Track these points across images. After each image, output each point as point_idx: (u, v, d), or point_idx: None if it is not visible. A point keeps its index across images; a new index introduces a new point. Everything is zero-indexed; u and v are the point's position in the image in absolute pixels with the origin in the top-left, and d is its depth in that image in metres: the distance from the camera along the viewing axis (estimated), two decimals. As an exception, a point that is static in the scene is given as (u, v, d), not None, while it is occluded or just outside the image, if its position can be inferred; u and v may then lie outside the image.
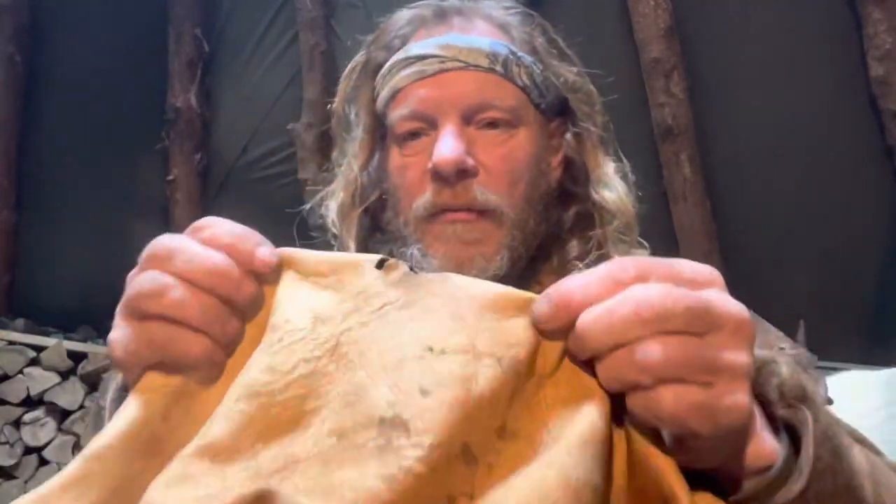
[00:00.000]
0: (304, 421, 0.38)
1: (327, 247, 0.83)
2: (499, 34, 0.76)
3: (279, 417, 0.38)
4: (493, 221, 0.72)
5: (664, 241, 2.22)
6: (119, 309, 0.44)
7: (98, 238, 2.75)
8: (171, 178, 2.77)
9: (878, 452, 0.54)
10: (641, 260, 0.40)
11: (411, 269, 0.42)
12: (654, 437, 0.39)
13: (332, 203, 0.83)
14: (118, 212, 2.79)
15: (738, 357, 0.38)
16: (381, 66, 0.77)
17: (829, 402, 0.68)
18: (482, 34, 0.75)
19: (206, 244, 0.42)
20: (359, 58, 0.81)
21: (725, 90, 2.23)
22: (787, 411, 0.43)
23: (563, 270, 0.76)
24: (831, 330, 2.04)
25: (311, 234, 0.86)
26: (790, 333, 0.75)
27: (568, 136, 0.79)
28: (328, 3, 2.60)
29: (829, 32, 2.11)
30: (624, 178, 0.81)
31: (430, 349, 0.38)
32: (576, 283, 0.39)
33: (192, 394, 0.41)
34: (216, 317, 0.41)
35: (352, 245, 0.81)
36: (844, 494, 0.44)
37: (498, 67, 0.73)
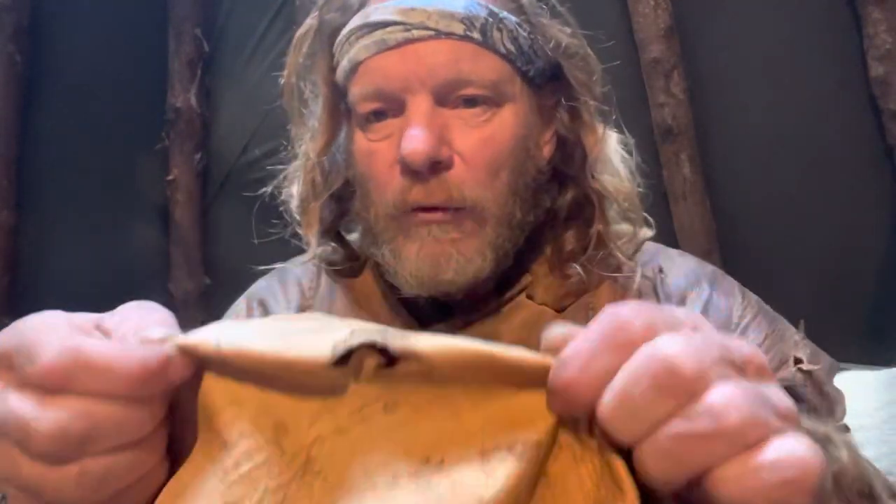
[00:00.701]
0: None
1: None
2: None
3: None
4: (474, 219, 0.63)
5: (664, 242, 2.21)
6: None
7: (98, 238, 2.75)
8: (171, 178, 2.77)
9: None
10: (641, 309, 0.31)
11: (387, 353, 0.31)
12: None
13: (294, 189, 0.74)
14: (118, 212, 2.79)
15: (781, 396, 0.30)
16: (338, 30, 0.67)
17: (846, 429, 0.63)
18: None
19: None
20: (311, 21, 0.70)
21: (725, 90, 2.22)
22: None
23: (559, 261, 0.69)
24: (831, 330, 2.04)
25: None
26: (790, 333, 0.74)
27: (560, 109, 0.68)
28: (328, 3, 2.59)
29: (829, 32, 2.10)
30: (627, 151, 0.72)
31: (427, 460, 0.30)
32: (574, 362, 0.30)
33: None
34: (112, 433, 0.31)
35: (313, 241, 0.73)
36: None
37: (475, 34, 0.61)
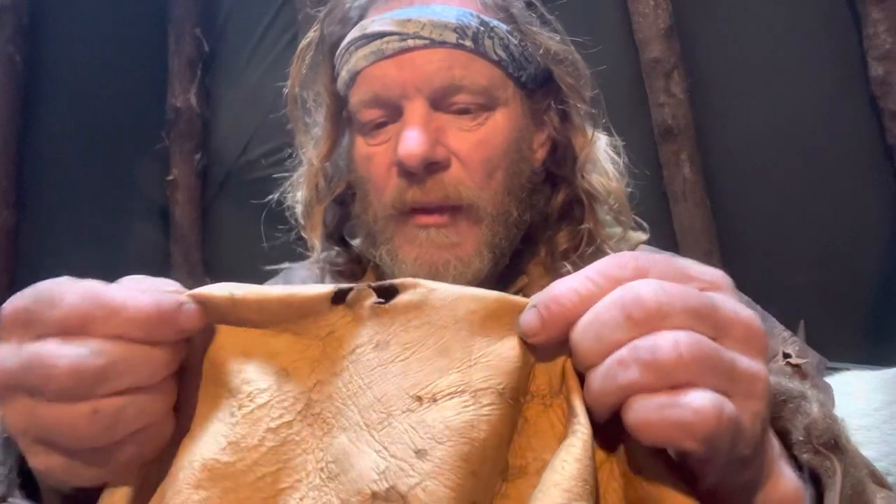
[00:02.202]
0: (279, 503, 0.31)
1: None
2: None
3: (249, 503, 0.31)
4: (470, 219, 0.65)
5: (664, 242, 2.21)
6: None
7: (98, 238, 2.75)
8: (171, 178, 2.77)
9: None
10: (642, 255, 0.34)
11: (380, 295, 0.34)
12: (655, 471, 0.32)
13: (299, 194, 0.76)
14: (118, 212, 2.79)
15: (755, 366, 0.33)
16: (338, 42, 0.69)
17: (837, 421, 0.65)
18: (448, 1, 0.65)
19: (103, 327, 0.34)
20: (312, 34, 0.73)
21: (725, 90, 2.22)
22: (813, 457, 0.38)
23: (553, 262, 0.70)
24: (831, 330, 2.04)
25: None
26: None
27: (551, 113, 0.70)
28: (328, 3, 2.60)
29: (829, 32, 2.10)
30: (616, 151, 0.74)
31: (419, 398, 0.32)
32: (564, 286, 0.33)
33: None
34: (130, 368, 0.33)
35: (317, 244, 0.75)
36: None
37: (467, 42, 0.64)
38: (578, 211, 0.71)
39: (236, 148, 2.74)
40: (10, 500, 0.42)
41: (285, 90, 0.76)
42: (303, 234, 0.77)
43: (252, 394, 0.33)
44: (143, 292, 0.36)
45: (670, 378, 0.30)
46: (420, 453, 0.31)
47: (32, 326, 0.34)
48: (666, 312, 0.31)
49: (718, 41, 2.22)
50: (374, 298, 0.34)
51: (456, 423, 0.31)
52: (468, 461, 0.30)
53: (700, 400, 0.30)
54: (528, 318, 0.33)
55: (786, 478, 0.37)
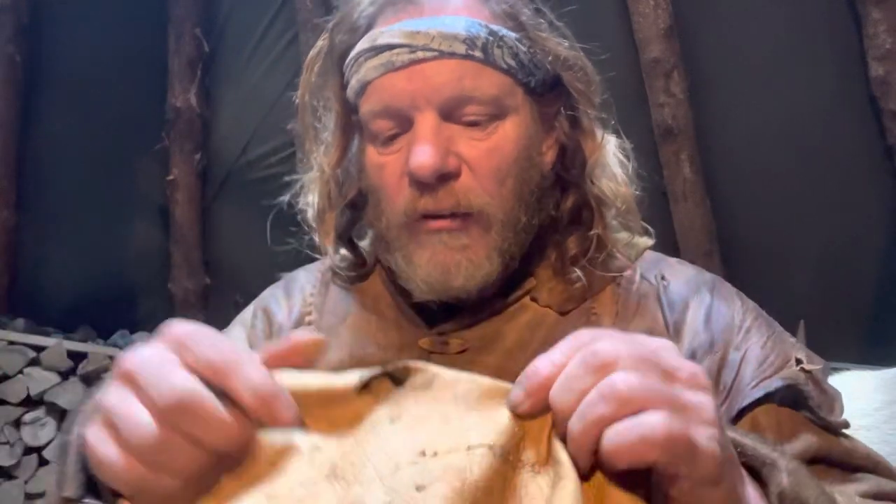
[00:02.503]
0: None
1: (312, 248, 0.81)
2: (477, 7, 0.68)
3: None
4: (481, 225, 0.66)
5: (664, 241, 2.21)
6: (105, 414, 0.40)
7: (98, 238, 2.75)
8: (171, 178, 2.77)
9: None
10: (599, 330, 0.42)
11: (394, 375, 0.42)
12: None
13: (310, 199, 0.78)
14: (118, 212, 2.79)
15: (699, 399, 0.39)
16: (347, 51, 0.70)
17: (846, 424, 0.66)
18: (457, 12, 0.66)
19: (232, 391, 0.39)
20: (321, 43, 0.74)
21: (725, 90, 2.22)
22: None
23: (562, 266, 0.72)
24: (831, 330, 2.04)
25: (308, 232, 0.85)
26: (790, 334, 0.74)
27: (561, 118, 0.71)
28: (328, 3, 2.60)
29: (829, 32, 2.11)
30: (625, 155, 0.75)
31: (423, 453, 0.39)
32: (541, 361, 0.40)
33: None
34: (196, 468, 0.38)
35: (329, 249, 0.77)
36: None
37: (477, 53, 0.65)
38: (587, 215, 0.72)
39: (236, 148, 2.74)
40: (85, 500, 0.47)
41: (295, 99, 0.77)
42: (315, 238, 0.79)
43: (289, 457, 0.40)
44: (229, 418, 0.39)
45: (630, 405, 0.37)
46: (420, 487, 0.38)
47: (139, 390, 0.39)
48: (618, 359, 0.39)
49: (718, 41, 2.22)
50: (390, 384, 0.42)
51: (452, 467, 0.38)
52: (461, 495, 0.38)
53: (653, 416, 0.37)
54: (515, 392, 0.40)
55: None
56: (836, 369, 1.61)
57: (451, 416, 0.40)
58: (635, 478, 0.40)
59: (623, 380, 0.38)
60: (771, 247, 2.23)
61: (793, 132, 2.16)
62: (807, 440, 0.62)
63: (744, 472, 0.44)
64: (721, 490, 0.40)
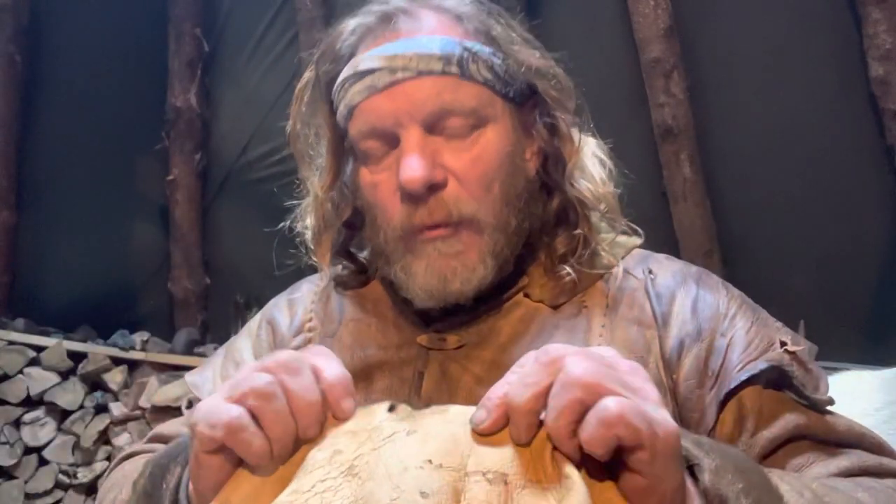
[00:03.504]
0: None
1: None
2: (451, 26, 0.72)
3: None
4: (473, 230, 0.70)
5: (664, 241, 2.22)
6: (230, 388, 0.48)
7: (98, 238, 2.75)
8: (170, 178, 2.77)
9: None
10: (553, 347, 0.46)
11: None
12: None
13: (308, 222, 0.82)
14: (118, 212, 2.79)
15: (643, 385, 0.44)
16: (333, 79, 0.74)
17: (831, 401, 0.68)
18: (432, 32, 0.71)
19: (316, 372, 0.48)
20: (308, 75, 0.79)
21: (725, 90, 2.22)
22: None
23: (552, 265, 0.75)
24: (831, 330, 2.04)
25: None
26: (790, 333, 0.74)
27: (539, 125, 0.75)
28: (328, 3, 2.60)
29: (829, 32, 2.10)
30: (604, 153, 0.79)
31: (430, 461, 0.45)
32: (500, 384, 0.46)
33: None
34: (285, 437, 0.46)
35: (325, 269, 0.82)
36: None
37: (453, 69, 0.69)
38: (573, 216, 0.76)
39: (236, 148, 2.74)
40: None
41: (287, 129, 0.83)
42: (313, 259, 0.83)
43: (314, 461, 0.47)
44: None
45: (589, 389, 0.41)
46: (424, 495, 0.43)
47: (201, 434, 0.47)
48: (566, 353, 0.44)
49: (718, 41, 2.22)
50: (410, 409, 0.50)
51: (451, 485, 0.43)
52: None
53: (610, 400, 0.41)
54: (478, 413, 0.45)
55: None
56: (836, 369, 1.61)
57: (459, 438, 0.46)
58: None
59: (577, 366, 0.42)
60: (771, 246, 2.23)
61: (793, 132, 2.16)
62: (786, 421, 0.65)
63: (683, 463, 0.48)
64: (676, 469, 0.44)
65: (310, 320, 0.82)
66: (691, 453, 0.49)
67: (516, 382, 0.44)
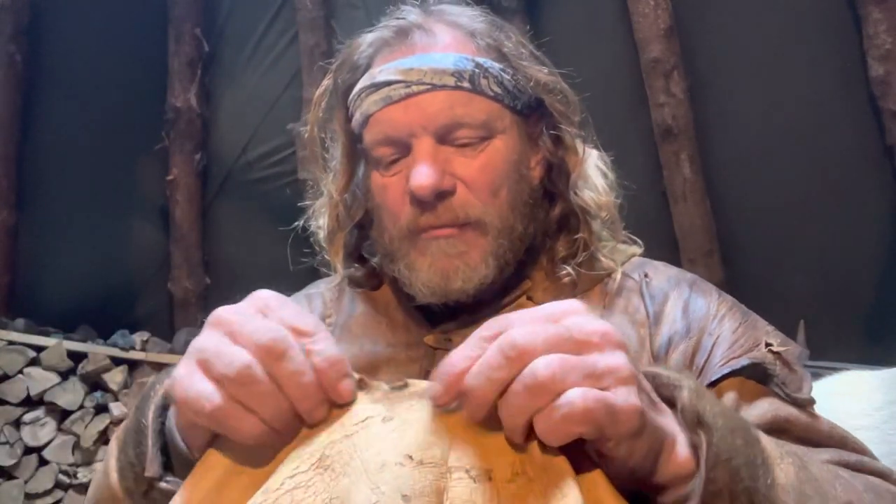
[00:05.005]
0: None
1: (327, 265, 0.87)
2: (464, 42, 0.75)
3: None
4: (477, 231, 0.73)
5: (664, 241, 2.22)
6: (198, 354, 0.44)
7: (98, 238, 2.75)
8: (170, 178, 2.77)
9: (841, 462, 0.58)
10: (504, 316, 0.45)
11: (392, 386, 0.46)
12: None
13: (321, 222, 0.85)
14: (118, 212, 2.79)
15: (613, 360, 0.43)
16: (350, 88, 0.78)
17: (812, 401, 0.70)
18: (446, 48, 0.75)
19: (308, 353, 0.44)
20: (326, 82, 0.82)
21: (725, 90, 2.23)
22: (688, 435, 0.48)
23: (553, 268, 0.78)
24: (831, 330, 2.04)
25: (308, 233, 0.87)
26: (790, 333, 0.75)
27: (545, 137, 0.79)
28: (328, 3, 2.60)
29: (829, 32, 2.11)
30: (606, 165, 0.82)
31: (410, 457, 0.42)
32: (455, 356, 0.43)
33: (243, 472, 0.45)
34: (283, 421, 0.43)
35: (339, 268, 0.84)
36: None
37: (465, 84, 0.73)
38: (574, 222, 0.80)
39: (236, 148, 2.74)
40: (165, 479, 0.52)
41: (305, 133, 0.86)
42: (327, 257, 0.86)
43: (282, 457, 0.43)
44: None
45: (551, 390, 0.40)
46: (405, 497, 0.41)
47: (208, 368, 0.44)
48: (535, 346, 0.41)
49: (718, 41, 2.22)
50: (386, 387, 0.46)
51: (433, 485, 0.41)
52: None
53: (572, 394, 0.40)
54: (434, 388, 0.43)
55: (676, 451, 0.47)
56: (836, 369, 1.61)
57: (438, 429, 0.44)
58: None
59: (543, 366, 0.41)
60: (771, 246, 2.24)
61: (793, 132, 2.16)
62: (767, 405, 0.66)
63: (659, 402, 0.48)
64: (644, 439, 0.44)
65: (329, 315, 0.85)
66: (672, 377, 0.50)
67: (476, 370, 0.42)
